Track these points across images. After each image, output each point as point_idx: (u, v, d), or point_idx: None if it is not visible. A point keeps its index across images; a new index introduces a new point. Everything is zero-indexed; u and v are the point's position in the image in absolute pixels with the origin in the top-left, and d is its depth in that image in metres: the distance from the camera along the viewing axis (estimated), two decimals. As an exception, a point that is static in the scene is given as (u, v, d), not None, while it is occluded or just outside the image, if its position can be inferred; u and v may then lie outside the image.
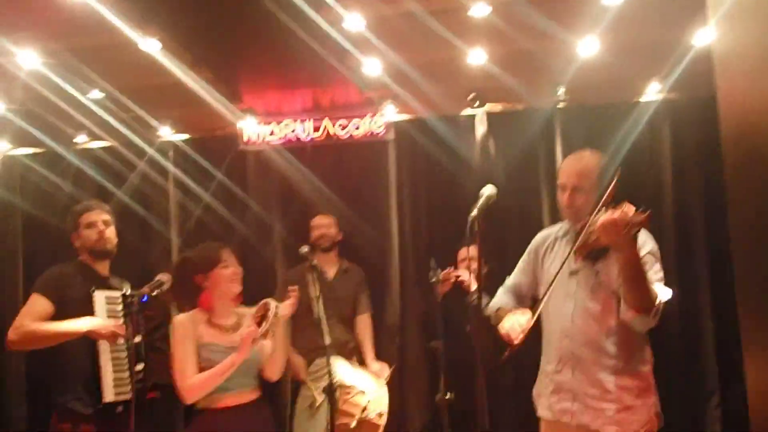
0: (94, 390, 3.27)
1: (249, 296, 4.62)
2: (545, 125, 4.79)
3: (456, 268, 4.09)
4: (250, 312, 3.14)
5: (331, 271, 4.54)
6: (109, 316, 3.37)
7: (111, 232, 3.59)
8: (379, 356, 4.80)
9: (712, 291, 4.53)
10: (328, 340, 4.09)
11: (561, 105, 4.76)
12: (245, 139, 5.04)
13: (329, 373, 3.96)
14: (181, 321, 3.01)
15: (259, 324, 2.98)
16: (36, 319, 3.25)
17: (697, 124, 4.62)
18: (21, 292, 5.32)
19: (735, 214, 1.81)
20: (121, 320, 3.34)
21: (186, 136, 5.20)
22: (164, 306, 3.54)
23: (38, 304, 3.30)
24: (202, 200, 5.08)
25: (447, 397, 3.11)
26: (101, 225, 3.55)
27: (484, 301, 3.98)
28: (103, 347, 3.32)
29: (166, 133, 5.12)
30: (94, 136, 5.10)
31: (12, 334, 3.23)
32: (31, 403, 5.14)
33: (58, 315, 3.29)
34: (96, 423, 3.27)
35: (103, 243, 3.52)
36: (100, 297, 3.38)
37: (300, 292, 3.84)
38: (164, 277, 3.11)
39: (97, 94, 4.45)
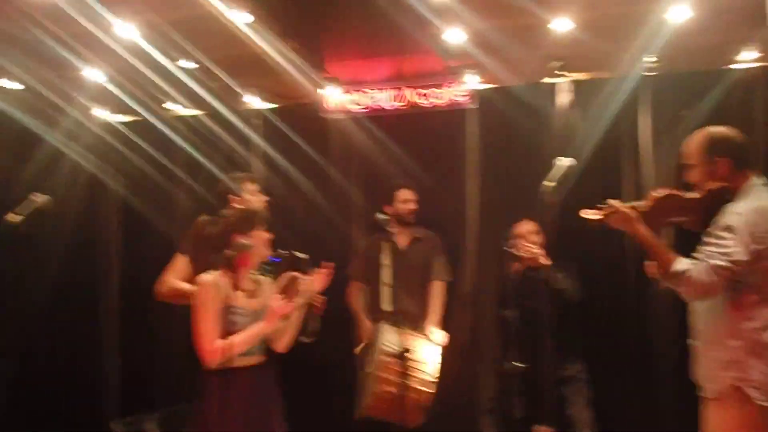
0: None
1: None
2: (632, 94, 4.66)
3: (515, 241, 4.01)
4: (266, 281, 3.14)
5: (404, 241, 4.56)
6: None
7: None
8: (452, 324, 4.84)
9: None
10: (388, 308, 4.19)
11: (649, 73, 4.61)
12: (328, 107, 5.13)
13: (377, 341, 4.04)
14: (211, 282, 2.95)
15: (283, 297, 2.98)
16: (178, 276, 3.51)
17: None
18: (120, 253, 5.66)
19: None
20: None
21: (272, 105, 5.34)
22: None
23: (180, 262, 3.56)
24: (286, 167, 5.22)
25: (517, 365, 3.14)
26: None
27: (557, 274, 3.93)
28: None
29: (253, 101, 5.27)
30: (185, 105, 5.30)
31: (158, 287, 3.54)
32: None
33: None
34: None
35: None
36: None
37: (372, 259, 4.10)
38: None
39: (188, 64, 4.61)
